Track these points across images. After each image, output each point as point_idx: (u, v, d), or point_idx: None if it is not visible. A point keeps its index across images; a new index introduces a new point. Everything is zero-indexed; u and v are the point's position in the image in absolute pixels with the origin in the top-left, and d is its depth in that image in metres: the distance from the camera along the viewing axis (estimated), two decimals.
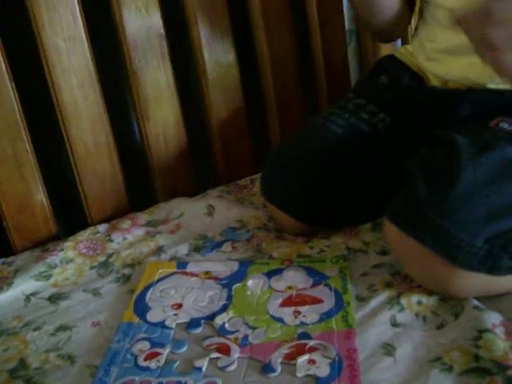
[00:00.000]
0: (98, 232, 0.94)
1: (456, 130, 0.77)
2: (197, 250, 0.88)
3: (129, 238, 0.92)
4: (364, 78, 1.02)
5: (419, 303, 0.71)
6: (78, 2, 0.91)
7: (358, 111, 0.89)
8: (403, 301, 0.72)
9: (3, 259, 0.90)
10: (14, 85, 0.89)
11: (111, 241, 0.92)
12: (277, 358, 0.65)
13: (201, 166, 1.09)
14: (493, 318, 0.66)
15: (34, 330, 0.74)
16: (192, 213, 0.97)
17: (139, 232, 0.94)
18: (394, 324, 0.69)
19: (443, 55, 0.83)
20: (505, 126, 0.73)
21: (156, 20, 0.98)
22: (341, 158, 0.86)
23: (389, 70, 0.93)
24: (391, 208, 0.73)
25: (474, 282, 0.68)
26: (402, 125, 0.86)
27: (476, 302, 0.69)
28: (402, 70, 0.91)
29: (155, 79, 1.00)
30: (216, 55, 1.04)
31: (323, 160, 0.86)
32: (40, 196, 0.95)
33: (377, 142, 0.86)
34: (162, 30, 0.99)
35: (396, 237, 0.71)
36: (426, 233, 0.68)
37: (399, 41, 1.12)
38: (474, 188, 0.68)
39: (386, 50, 1.14)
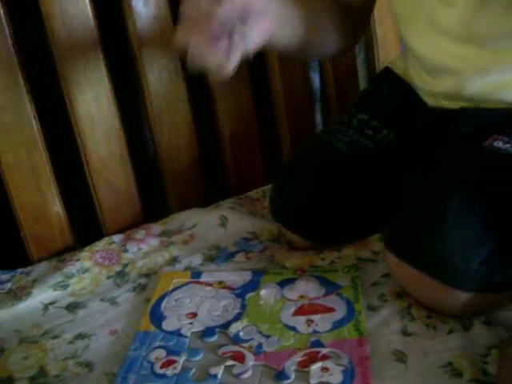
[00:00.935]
0: (114, 242, 0.95)
1: (449, 151, 0.77)
2: (210, 259, 0.90)
3: (144, 248, 0.94)
4: (365, 90, 1.02)
5: (429, 316, 0.72)
6: (93, 16, 0.93)
7: (362, 127, 0.89)
8: (414, 311, 0.73)
9: (21, 269, 0.92)
10: (31, 97, 0.91)
11: (126, 251, 0.93)
12: (290, 366, 0.66)
13: (213, 177, 1.10)
14: (501, 334, 0.67)
15: (53, 338, 0.76)
16: (205, 223, 0.98)
17: (154, 242, 0.95)
18: (405, 333, 0.70)
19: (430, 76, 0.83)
20: (499, 144, 0.73)
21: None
22: (347, 176, 0.86)
23: (387, 84, 0.93)
24: (388, 236, 0.76)
25: (475, 301, 0.69)
26: (405, 141, 0.86)
27: (484, 318, 0.70)
28: (397, 83, 0.91)
29: (168, 92, 1.02)
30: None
31: (329, 180, 0.86)
32: (56, 207, 0.97)
33: (381, 158, 0.87)
34: None
35: (396, 264, 0.73)
36: (422, 260, 0.70)
37: None
38: (465, 212, 0.69)
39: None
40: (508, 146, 0.73)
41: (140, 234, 0.97)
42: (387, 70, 0.95)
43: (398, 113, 0.88)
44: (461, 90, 0.77)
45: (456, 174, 0.74)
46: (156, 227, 0.99)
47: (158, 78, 1.00)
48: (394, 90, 0.91)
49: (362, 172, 0.86)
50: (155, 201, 1.09)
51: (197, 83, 1.05)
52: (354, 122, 0.90)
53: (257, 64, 1.09)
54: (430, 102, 0.84)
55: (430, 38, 0.77)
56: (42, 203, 0.96)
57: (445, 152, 0.78)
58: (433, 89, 0.82)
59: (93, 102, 0.96)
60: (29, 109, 0.91)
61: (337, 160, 0.87)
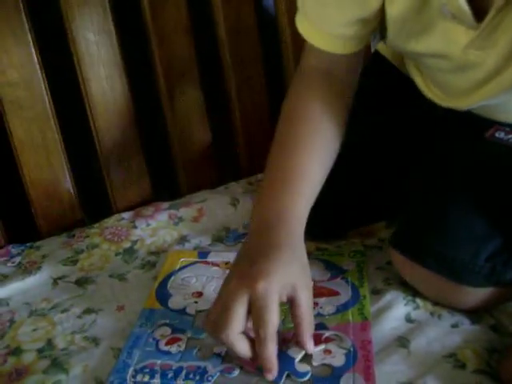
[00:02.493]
0: (123, 219, 0.96)
1: (451, 141, 0.76)
2: (220, 240, 0.90)
3: (152, 223, 0.94)
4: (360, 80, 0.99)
5: (435, 304, 0.73)
6: None
7: (357, 115, 0.85)
8: (418, 300, 0.73)
9: (31, 243, 0.93)
10: (44, 75, 0.92)
11: (135, 227, 0.93)
12: (293, 347, 0.66)
13: (224, 159, 1.11)
14: (507, 340, 0.67)
15: (62, 312, 0.77)
16: (215, 200, 0.98)
17: (162, 217, 0.95)
18: (409, 320, 0.71)
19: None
20: (501, 135, 0.73)
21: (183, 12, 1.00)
22: (344, 167, 0.83)
23: (378, 71, 0.90)
24: (393, 235, 0.76)
25: (483, 295, 0.70)
26: (401, 127, 0.85)
27: (493, 322, 0.70)
28: (390, 69, 0.88)
29: (181, 73, 1.02)
30: (240, 49, 1.05)
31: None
32: (67, 184, 0.98)
33: (377, 145, 0.85)
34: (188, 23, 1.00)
35: (402, 262, 0.73)
36: (428, 257, 0.70)
37: None
38: (469, 209, 0.70)
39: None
40: (510, 136, 0.72)
41: (149, 210, 0.97)
42: (376, 55, 0.91)
43: (393, 99, 0.86)
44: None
45: (459, 169, 0.73)
46: (165, 204, 0.99)
47: (171, 57, 1.00)
48: (386, 76, 0.88)
49: (355, 161, 0.84)
50: (166, 182, 1.09)
51: (209, 64, 1.05)
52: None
53: (270, 43, 1.09)
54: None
55: None
56: (53, 180, 0.97)
57: (447, 144, 0.77)
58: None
59: (105, 81, 0.96)
60: (42, 85, 0.92)
61: None
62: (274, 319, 0.59)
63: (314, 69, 0.76)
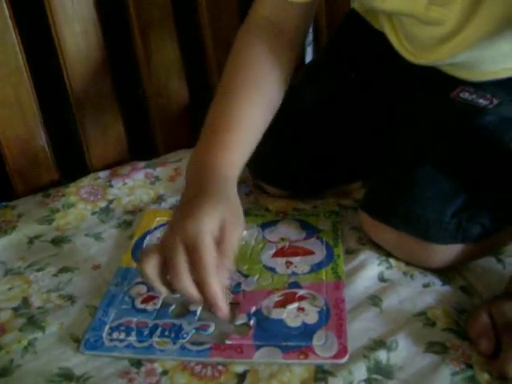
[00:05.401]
0: (99, 178, 0.95)
1: (418, 102, 0.77)
2: None
3: (129, 182, 0.93)
4: (333, 35, 0.96)
5: (408, 264, 0.74)
6: None
7: (329, 73, 0.87)
8: (392, 260, 0.74)
9: (6, 203, 0.92)
10: (17, 31, 0.89)
11: (111, 186, 0.93)
12: (267, 305, 0.68)
13: (201, 119, 1.09)
14: (476, 301, 0.68)
15: (38, 270, 0.77)
16: None
17: (139, 176, 0.95)
18: (382, 279, 0.72)
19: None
20: (465, 95, 0.74)
21: None
22: (312, 125, 0.85)
23: (353, 27, 0.88)
24: (363, 198, 0.77)
25: (451, 252, 0.71)
26: (372, 85, 0.84)
27: (463, 283, 0.71)
28: (364, 27, 0.86)
29: (160, 30, 1.00)
30: (219, 11, 1.04)
31: (296, 127, 0.85)
32: (42, 142, 0.96)
33: (348, 103, 0.85)
34: None
35: (371, 225, 0.75)
36: (396, 218, 0.71)
37: None
38: (434, 168, 0.70)
39: None
40: (474, 96, 0.73)
41: (125, 169, 0.97)
42: (351, 13, 0.90)
43: (365, 57, 0.85)
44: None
45: (425, 129, 0.74)
46: (142, 164, 0.99)
47: (148, 16, 0.98)
48: (361, 33, 0.87)
49: (328, 120, 0.84)
50: (142, 142, 1.09)
51: (187, 24, 1.04)
52: (321, 69, 0.89)
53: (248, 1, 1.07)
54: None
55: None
56: (28, 138, 0.95)
57: (413, 104, 0.77)
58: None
59: (80, 37, 0.94)
60: (15, 41, 0.89)
61: (301, 111, 0.85)
62: (208, 254, 0.58)
63: (265, 18, 0.76)
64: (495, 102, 0.73)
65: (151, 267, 0.61)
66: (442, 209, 0.69)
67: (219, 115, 0.71)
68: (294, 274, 0.73)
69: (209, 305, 0.60)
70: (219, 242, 0.60)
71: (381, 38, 0.79)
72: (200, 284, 0.59)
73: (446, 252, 0.71)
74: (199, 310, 0.68)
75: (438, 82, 0.76)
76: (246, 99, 0.72)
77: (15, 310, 0.70)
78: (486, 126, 0.72)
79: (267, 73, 0.74)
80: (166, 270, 0.60)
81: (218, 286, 0.59)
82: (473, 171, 0.70)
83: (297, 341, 0.63)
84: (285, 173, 0.86)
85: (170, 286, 0.61)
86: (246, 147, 0.71)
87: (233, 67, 0.74)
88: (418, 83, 0.78)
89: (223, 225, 0.61)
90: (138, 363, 0.62)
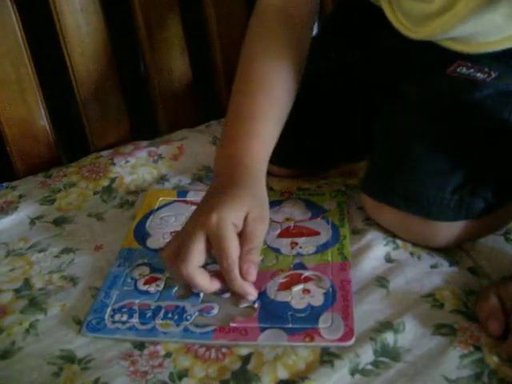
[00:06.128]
0: (101, 157, 0.94)
1: (416, 78, 0.76)
2: (199, 179, 0.89)
3: (131, 160, 0.92)
4: (331, 13, 0.97)
5: (415, 245, 0.72)
6: None
7: (327, 51, 0.86)
8: (398, 241, 0.73)
9: (7, 183, 0.91)
10: (15, 8, 0.88)
11: (113, 164, 0.91)
12: (272, 286, 0.67)
13: (205, 97, 1.08)
14: (484, 282, 0.67)
15: (39, 251, 0.76)
16: (196, 138, 0.97)
17: (141, 154, 0.93)
18: (389, 260, 0.70)
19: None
20: (462, 70, 0.72)
21: None
22: (314, 99, 0.84)
23: (351, 3, 0.88)
24: (362, 179, 0.76)
25: (455, 230, 0.70)
26: (369, 61, 0.83)
27: (471, 263, 0.70)
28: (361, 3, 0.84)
29: (161, 7, 0.98)
30: None
31: (297, 104, 0.81)
32: (43, 121, 0.95)
33: (345, 77, 0.84)
34: None
35: (372, 206, 0.74)
36: (396, 197, 0.70)
37: None
38: (432, 144, 0.69)
39: None
40: (471, 70, 0.72)
41: (128, 148, 0.95)
42: None
43: (362, 32, 0.84)
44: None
45: (422, 105, 0.73)
46: (144, 143, 0.97)
47: None
48: (358, 9, 0.85)
49: (327, 96, 0.84)
50: (145, 121, 1.07)
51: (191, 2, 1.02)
52: (319, 48, 0.86)
53: None
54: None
55: None
56: (29, 118, 0.94)
57: (409, 81, 0.76)
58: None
59: (81, 13, 0.92)
60: (13, 18, 0.88)
61: (300, 88, 0.82)
62: (232, 246, 0.60)
63: (272, 5, 0.76)
64: (493, 75, 0.71)
65: (171, 254, 0.63)
66: (442, 185, 0.68)
67: (240, 109, 0.72)
68: (299, 254, 0.72)
69: (237, 295, 0.63)
70: (243, 236, 0.62)
71: (378, 13, 0.77)
72: (225, 277, 0.62)
73: (450, 230, 0.69)
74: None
75: (435, 57, 0.75)
76: (264, 93, 0.72)
77: (16, 291, 0.70)
78: (484, 99, 0.70)
79: (283, 66, 0.74)
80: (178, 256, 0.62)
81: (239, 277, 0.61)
82: (473, 146, 0.69)
83: (302, 323, 0.62)
84: (288, 151, 0.84)
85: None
86: (269, 140, 0.72)
87: (249, 60, 0.75)
88: (415, 59, 0.77)
89: (248, 218, 0.62)
90: (140, 345, 0.61)
